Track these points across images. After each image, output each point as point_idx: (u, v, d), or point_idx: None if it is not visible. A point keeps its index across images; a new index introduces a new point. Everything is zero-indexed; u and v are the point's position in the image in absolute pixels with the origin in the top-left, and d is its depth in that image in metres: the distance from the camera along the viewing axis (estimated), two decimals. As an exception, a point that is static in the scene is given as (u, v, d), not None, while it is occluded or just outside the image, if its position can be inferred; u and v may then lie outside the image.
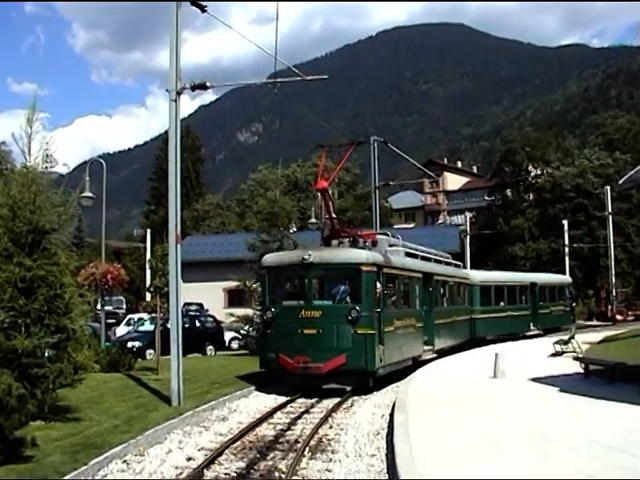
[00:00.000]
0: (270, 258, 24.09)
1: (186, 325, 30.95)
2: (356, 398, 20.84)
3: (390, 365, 23.16)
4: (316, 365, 21.02)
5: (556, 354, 28.34)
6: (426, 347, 28.26)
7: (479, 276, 40.81)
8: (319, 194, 28.49)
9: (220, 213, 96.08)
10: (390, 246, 26.50)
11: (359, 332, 21.27)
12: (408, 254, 28.08)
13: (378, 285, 22.56)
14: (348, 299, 22.05)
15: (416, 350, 26.87)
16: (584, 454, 10.84)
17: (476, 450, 11.46)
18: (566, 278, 56.45)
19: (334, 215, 26.08)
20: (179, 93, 19.20)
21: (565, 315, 51.53)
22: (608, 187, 62.98)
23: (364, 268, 21.91)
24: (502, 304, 42.26)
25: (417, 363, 26.52)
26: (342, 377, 21.32)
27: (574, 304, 57.45)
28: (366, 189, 77.39)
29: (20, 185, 15.00)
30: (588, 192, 77.06)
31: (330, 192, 26.88)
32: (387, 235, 27.63)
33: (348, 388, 21.43)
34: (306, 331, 21.45)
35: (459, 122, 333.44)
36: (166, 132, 21.53)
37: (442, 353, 30.30)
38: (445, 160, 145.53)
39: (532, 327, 45.71)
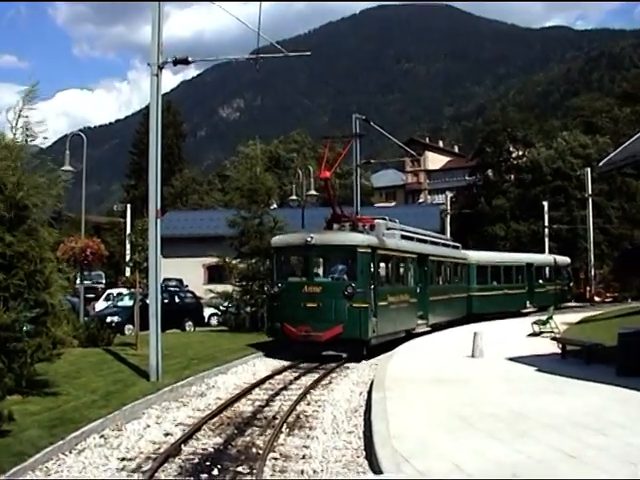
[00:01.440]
0: (278, 239, 26.91)
1: (165, 301, 30.87)
2: (334, 375, 21.01)
3: (383, 336, 25.79)
4: (316, 334, 23.75)
5: (534, 334, 28.56)
6: (420, 321, 31.01)
7: (476, 256, 43.16)
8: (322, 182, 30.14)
9: (197, 189, 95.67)
10: (387, 229, 29.14)
11: (354, 306, 23.87)
12: (404, 237, 30.72)
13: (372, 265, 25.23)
14: (345, 277, 24.83)
15: (409, 324, 29.57)
16: (560, 433, 10.93)
17: (452, 428, 11.55)
18: (564, 259, 58.08)
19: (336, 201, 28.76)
20: (161, 67, 19.07)
21: (562, 294, 54.14)
22: (588, 169, 63.28)
23: (359, 249, 24.66)
24: (498, 283, 44.64)
25: (411, 335, 29.27)
26: (339, 345, 24.30)
27: (571, 284, 59.27)
28: (347, 167, 77.34)
29: (4, 160, 14.82)
30: (567, 175, 77.34)
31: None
32: (385, 220, 29.80)
33: (344, 355, 24.37)
34: (308, 304, 24.15)
35: (441, 101, 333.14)
36: (147, 107, 21.40)
37: (438, 327, 32.76)
38: (427, 139, 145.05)
39: (528, 305, 47.86)
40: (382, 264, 27.17)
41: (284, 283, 25.27)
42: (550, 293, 51.13)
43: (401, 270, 29.86)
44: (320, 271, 26.40)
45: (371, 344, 24.78)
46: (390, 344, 25.89)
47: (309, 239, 24.66)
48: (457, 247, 41.51)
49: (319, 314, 23.99)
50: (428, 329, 31.57)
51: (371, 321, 24.45)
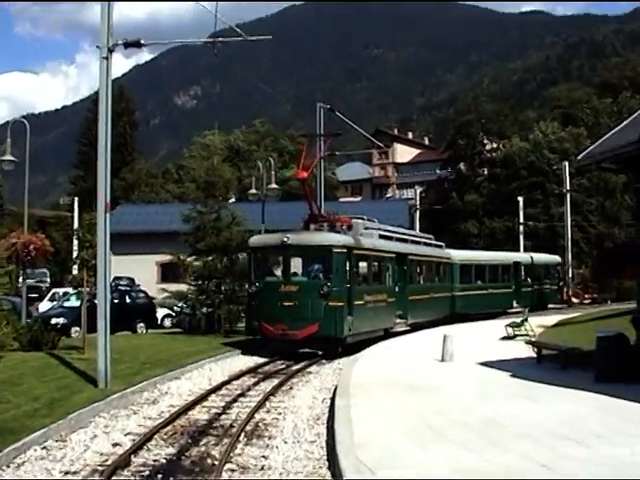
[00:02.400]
0: (255, 239, 29.03)
1: (115, 301, 30.62)
2: (295, 381, 20.99)
3: (359, 334, 27.77)
4: (293, 332, 25.86)
5: (507, 337, 28.65)
6: (399, 320, 32.84)
7: (459, 255, 44.51)
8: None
9: (151, 183, 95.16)
10: (365, 229, 31.23)
11: (330, 304, 25.93)
12: (382, 236, 32.63)
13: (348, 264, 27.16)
14: (321, 276, 26.88)
15: (387, 322, 31.43)
16: (534, 443, 10.95)
17: (419, 437, 11.55)
18: (553, 258, 59.62)
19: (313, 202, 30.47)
20: (111, 50, 18.89)
21: (551, 293, 55.83)
22: (566, 163, 63.76)
23: (335, 250, 26.64)
24: (483, 282, 46.13)
25: (389, 334, 30.97)
26: (315, 343, 26.35)
27: (561, 283, 60.63)
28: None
29: None
30: (543, 169, 77.83)
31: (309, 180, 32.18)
32: (363, 219, 31.97)
33: (320, 352, 26.33)
34: (285, 303, 26.20)
35: (411, 90, 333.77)
36: (97, 92, 21.23)
37: (419, 327, 33.97)
38: (395, 130, 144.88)
39: (515, 304, 48.69)
40: (359, 264, 29.04)
41: (261, 282, 27.33)
42: (538, 293, 52.48)
43: (379, 269, 31.71)
44: (297, 271, 27.95)
45: (347, 342, 26.65)
46: (367, 342, 27.11)
47: (286, 239, 26.65)
48: (440, 246, 42.95)
49: (296, 313, 25.97)
50: (407, 328, 32.81)
51: (347, 320, 26.44)
